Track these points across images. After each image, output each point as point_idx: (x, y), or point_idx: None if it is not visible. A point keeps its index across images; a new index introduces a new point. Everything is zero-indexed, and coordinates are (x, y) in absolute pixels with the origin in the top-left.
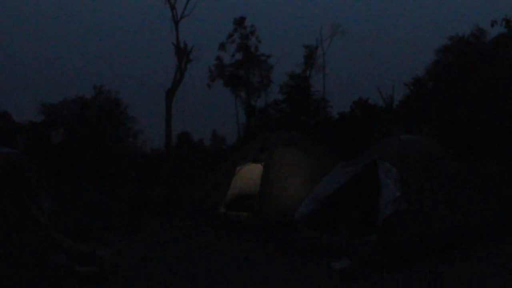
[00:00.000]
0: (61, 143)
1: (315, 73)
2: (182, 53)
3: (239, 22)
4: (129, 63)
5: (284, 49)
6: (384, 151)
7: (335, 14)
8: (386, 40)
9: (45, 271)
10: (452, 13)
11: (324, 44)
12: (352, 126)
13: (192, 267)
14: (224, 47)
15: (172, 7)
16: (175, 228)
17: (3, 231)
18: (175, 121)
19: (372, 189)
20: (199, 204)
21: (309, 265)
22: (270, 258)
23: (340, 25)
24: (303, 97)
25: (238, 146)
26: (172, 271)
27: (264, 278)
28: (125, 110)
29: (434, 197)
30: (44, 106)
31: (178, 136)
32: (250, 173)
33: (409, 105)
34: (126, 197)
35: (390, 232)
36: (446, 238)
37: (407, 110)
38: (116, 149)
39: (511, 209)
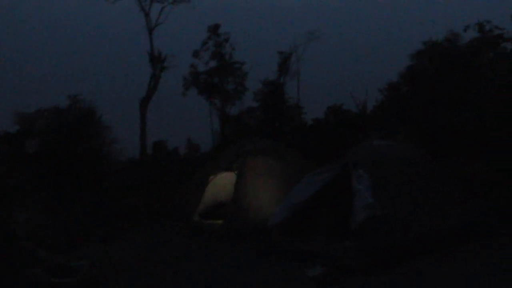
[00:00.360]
0: (36, 153)
1: (290, 79)
2: (156, 61)
3: (213, 29)
4: (104, 72)
5: (258, 55)
6: (358, 157)
7: (310, 21)
8: (360, 46)
9: (21, 283)
10: (425, 18)
11: (298, 51)
12: (327, 132)
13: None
14: (198, 55)
15: (146, 15)
16: (155, 235)
17: None
18: (149, 129)
19: (346, 195)
20: (174, 212)
21: (287, 272)
22: (248, 265)
23: (315, 31)
24: (277, 104)
25: (212, 154)
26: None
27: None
28: (100, 119)
29: (413, 201)
30: (18, 116)
31: (153, 145)
32: (223, 181)
33: (383, 110)
34: (108, 204)
35: (365, 237)
36: (427, 241)
37: (382, 115)
38: (94, 157)
39: (495, 209)
